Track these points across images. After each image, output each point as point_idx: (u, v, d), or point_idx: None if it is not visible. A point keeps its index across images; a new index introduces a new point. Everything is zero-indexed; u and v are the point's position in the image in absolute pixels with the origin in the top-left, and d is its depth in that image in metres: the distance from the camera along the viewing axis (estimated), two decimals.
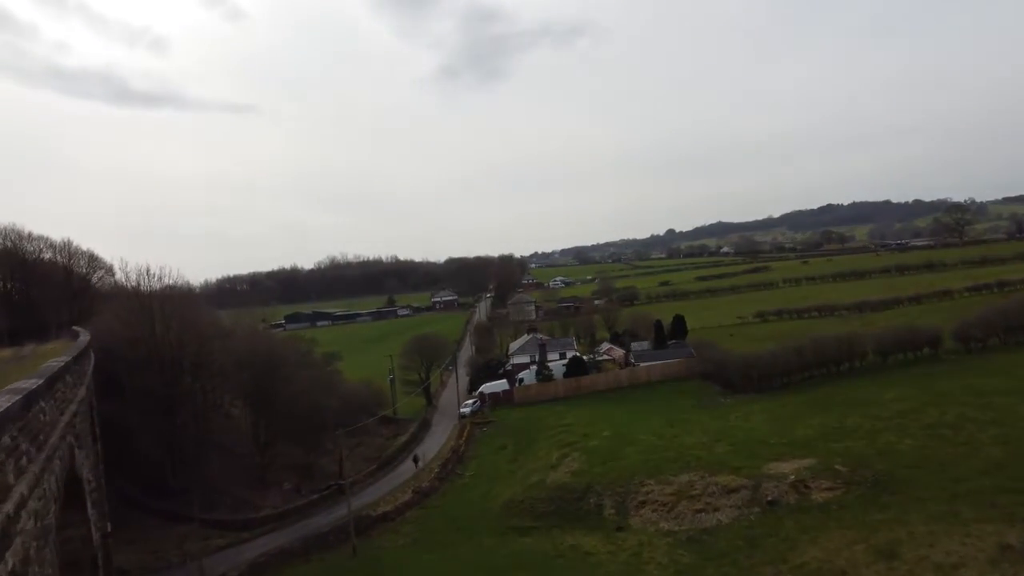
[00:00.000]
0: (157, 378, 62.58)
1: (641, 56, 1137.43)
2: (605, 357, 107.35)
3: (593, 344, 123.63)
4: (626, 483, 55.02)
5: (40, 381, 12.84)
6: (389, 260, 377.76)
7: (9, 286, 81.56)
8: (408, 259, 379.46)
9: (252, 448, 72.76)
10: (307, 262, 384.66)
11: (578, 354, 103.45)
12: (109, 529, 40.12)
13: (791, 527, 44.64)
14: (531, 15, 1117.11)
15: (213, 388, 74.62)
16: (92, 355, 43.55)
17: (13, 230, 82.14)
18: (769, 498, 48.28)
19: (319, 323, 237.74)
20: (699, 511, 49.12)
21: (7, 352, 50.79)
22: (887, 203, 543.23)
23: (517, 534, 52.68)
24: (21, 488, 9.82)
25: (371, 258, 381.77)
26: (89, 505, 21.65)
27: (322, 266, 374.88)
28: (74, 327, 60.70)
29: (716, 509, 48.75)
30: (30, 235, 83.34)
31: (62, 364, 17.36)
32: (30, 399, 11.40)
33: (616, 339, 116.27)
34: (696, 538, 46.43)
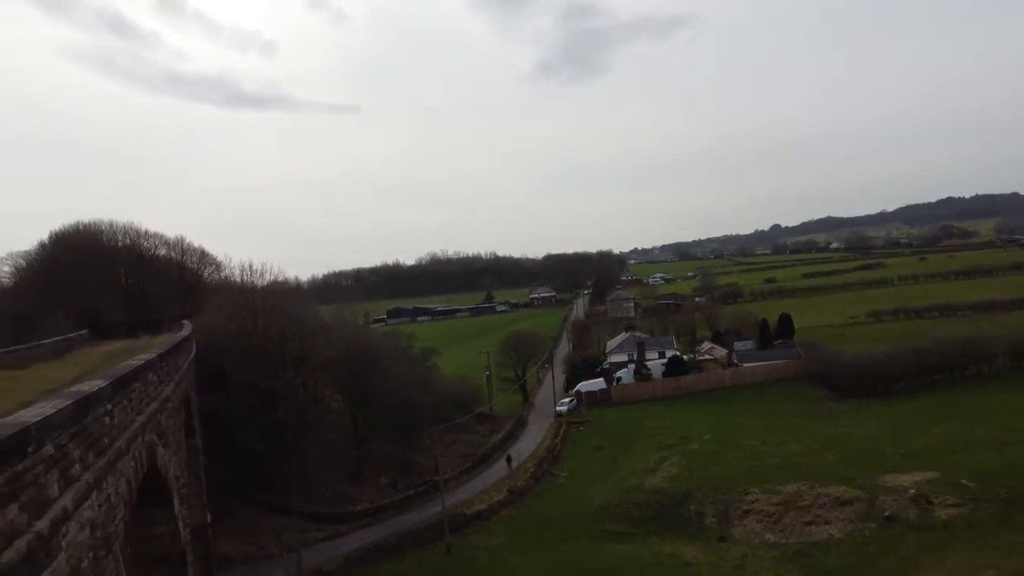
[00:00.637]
0: (260, 371, 64.05)
1: (741, 45, 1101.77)
2: (706, 357, 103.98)
3: (693, 343, 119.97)
4: (728, 490, 52.48)
5: (104, 384, 12.38)
6: (488, 256, 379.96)
7: (129, 281, 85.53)
8: (507, 255, 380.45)
9: (350, 442, 73.75)
10: (409, 258, 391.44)
11: (678, 353, 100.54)
12: (209, 520, 40.90)
13: (911, 546, 41.27)
14: (629, 8, 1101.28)
15: (314, 382, 75.96)
16: (193, 349, 44.62)
17: (132, 228, 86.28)
18: (886, 513, 44.89)
19: (419, 318, 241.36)
20: (808, 524, 46.18)
21: (123, 343, 53.04)
22: (1015, 195, 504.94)
23: (613, 539, 51.05)
24: (64, 501, 9.15)
25: (470, 254, 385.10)
26: (176, 502, 21.58)
27: (423, 262, 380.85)
28: (184, 320, 62.85)
29: (827, 522, 45.70)
30: (146, 232, 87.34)
31: (141, 363, 17.14)
32: (86, 403, 10.86)
33: (718, 338, 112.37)
34: (805, 552, 43.62)
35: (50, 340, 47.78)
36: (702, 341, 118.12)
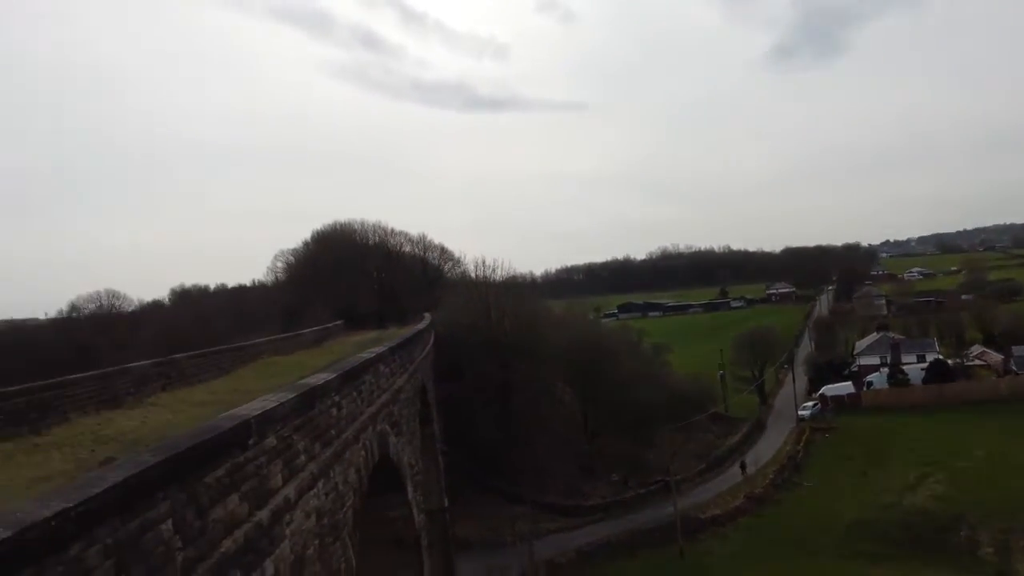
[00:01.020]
0: (494, 363, 66.17)
1: (1005, 9, 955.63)
2: (977, 362, 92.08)
3: (960, 346, 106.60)
4: (1010, 518, 45.48)
5: (331, 376, 12.72)
6: (721, 250, 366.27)
7: (379, 275, 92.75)
8: (741, 249, 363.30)
9: (581, 436, 74.07)
10: (639, 253, 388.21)
11: (941, 357, 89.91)
12: (447, 504, 42.75)
13: None
14: None
15: (545, 375, 77.18)
16: (431, 340, 46.85)
17: (380, 226, 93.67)
18: None
19: (650, 314, 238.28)
20: None
21: (373, 333, 57.27)
22: None
23: (866, 561, 46.22)
24: (287, 491, 9.27)
25: (702, 248, 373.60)
26: (410, 488, 22.30)
27: (653, 257, 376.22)
28: (425, 313, 66.63)
29: None
30: (393, 230, 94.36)
31: (371, 356, 17.75)
32: (311, 396, 11.09)
33: (991, 341, 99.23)
34: None
35: (310, 330, 52.72)
36: (971, 344, 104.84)
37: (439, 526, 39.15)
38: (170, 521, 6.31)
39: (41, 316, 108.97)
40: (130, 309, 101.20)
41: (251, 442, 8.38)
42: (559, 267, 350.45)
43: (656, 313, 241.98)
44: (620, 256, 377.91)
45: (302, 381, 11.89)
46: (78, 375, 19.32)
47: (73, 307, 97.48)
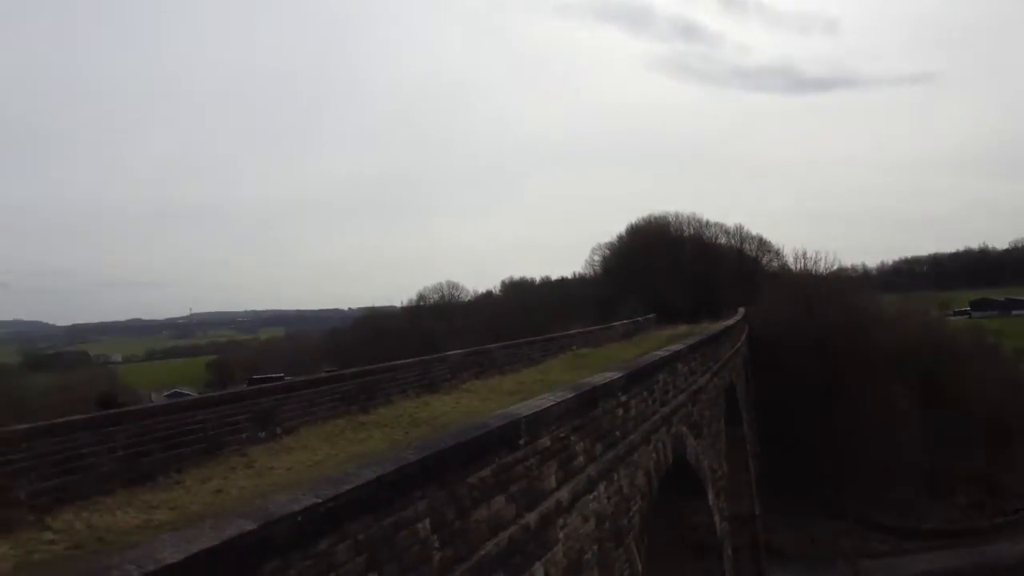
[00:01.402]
0: (816, 363, 61.58)
1: None
2: None
3: None
4: None
5: (617, 375, 12.31)
6: None
7: (692, 268, 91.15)
8: None
9: (919, 449, 65.81)
10: (1000, 241, 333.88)
11: None
12: (757, 511, 40.46)
13: None
14: None
15: (875, 378, 69.95)
16: (742, 337, 44.67)
17: (695, 218, 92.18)
18: None
19: (1014, 312, 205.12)
20: None
21: (683, 328, 56.32)
22: None
23: None
24: (561, 494, 9.08)
25: None
26: (711, 493, 21.23)
27: (1019, 245, 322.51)
28: (739, 308, 63.97)
29: None
30: (708, 222, 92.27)
31: (666, 354, 17.06)
32: (592, 395, 10.83)
33: None
34: None
35: (620, 323, 53.30)
36: None
37: (748, 534, 37.18)
38: (427, 520, 6.33)
39: (396, 304, 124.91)
40: (466, 299, 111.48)
41: (522, 442, 8.27)
42: (897, 258, 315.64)
43: (1021, 311, 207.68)
44: (974, 245, 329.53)
45: (584, 380, 11.66)
46: (404, 361, 21.36)
47: (420, 296, 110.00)
